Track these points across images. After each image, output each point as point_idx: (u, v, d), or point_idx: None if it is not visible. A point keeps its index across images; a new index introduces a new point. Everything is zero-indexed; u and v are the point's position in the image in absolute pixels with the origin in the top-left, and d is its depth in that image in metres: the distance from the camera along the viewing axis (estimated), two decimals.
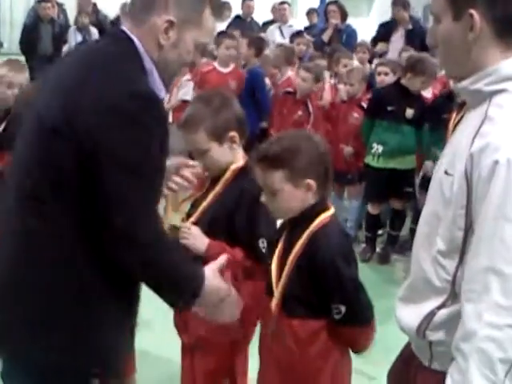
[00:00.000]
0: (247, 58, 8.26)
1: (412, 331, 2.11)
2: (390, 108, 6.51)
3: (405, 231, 6.94)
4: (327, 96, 7.18)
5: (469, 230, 1.93)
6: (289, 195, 2.65)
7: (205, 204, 3.07)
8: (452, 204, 1.96)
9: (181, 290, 2.27)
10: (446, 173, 2.01)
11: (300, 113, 7.06)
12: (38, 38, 11.50)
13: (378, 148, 6.56)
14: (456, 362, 1.90)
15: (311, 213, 2.68)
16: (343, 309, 2.61)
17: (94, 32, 11.65)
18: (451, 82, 5.66)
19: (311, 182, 2.64)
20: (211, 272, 2.33)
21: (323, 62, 7.54)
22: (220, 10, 2.43)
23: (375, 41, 10.19)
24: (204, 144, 2.98)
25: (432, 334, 2.06)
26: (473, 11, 1.95)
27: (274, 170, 2.63)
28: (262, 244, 2.95)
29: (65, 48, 11.40)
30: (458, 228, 1.95)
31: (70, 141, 2.05)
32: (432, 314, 2.05)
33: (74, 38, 11.53)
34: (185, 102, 7.69)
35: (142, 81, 2.18)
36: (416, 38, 9.67)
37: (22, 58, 10.75)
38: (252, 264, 2.96)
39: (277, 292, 2.69)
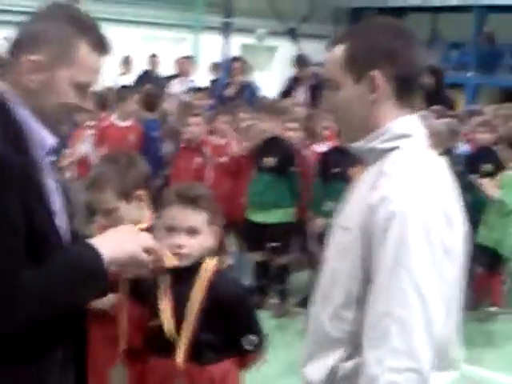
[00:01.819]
0: (138, 113, 8.32)
1: None
2: (259, 158, 6.63)
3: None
4: (231, 151, 7.27)
5: (367, 279, 1.99)
6: (205, 239, 2.78)
7: None
8: (349, 256, 2.03)
9: (84, 290, 2.14)
10: (343, 228, 2.09)
11: (198, 160, 7.15)
12: None
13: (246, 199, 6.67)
14: None
15: (199, 261, 2.81)
16: (255, 338, 2.78)
17: None
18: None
19: (218, 229, 2.81)
20: (103, 241, 2.17)
21: (226, 118, 7.62)
22: (101, 44, 2.19)
23: (283, 95, 10.39)
24: (111, 203, 3.00)
25: None
26: (374, 72, 2.06)
27: (202, 211, 2.76)
28: None
29: None
30: (356, 278, 2.02)
31: None
32: (336, 368, 2.08)
33: None
34: (87, 156, 7.70)
35: None
36: (319, 91, 9.98)
37: None
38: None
39: (182, 344, 2.73)
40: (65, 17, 2.14)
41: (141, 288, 2.91)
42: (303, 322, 6.22)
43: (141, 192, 3.05)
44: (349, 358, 2.06)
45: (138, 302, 2.96)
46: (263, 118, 6.75)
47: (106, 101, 8.64)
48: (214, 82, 12.61)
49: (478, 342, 6.30)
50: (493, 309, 6.72)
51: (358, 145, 2.13)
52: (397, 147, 2.07)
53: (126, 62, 13.14)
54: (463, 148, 8.01)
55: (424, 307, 1.91)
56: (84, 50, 2.13)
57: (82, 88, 2.15)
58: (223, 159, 7.20)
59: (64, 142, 8.70)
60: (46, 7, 2.20)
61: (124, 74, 12.93)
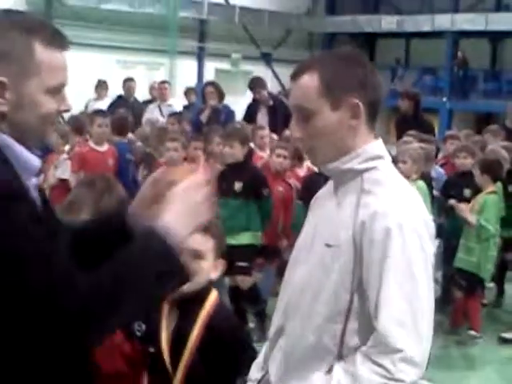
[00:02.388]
0: (108, 136, 8.25)
1: None
2: (226, 183, 6.56)
3: None
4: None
5: (355, 291, 2.06)
6: (209, 266, 2.79)
7: None
8: (336, 270, 2.08)
9: (158, 279, 1.89)
10: (327, 245, 2.12)
11: None
12: None
13: None
14: None
15: (203, 293, 2.78)
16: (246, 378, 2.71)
17: None
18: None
19: (222, 260, 2.86)
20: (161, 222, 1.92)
21: (198, 144, 7.57)
22: (56, 39, 1.96)
23: (247, 120, 10.37)
24: None
25: None
26: (355, 99, 2.12)
27: (211, 237, 2.81)
28: (138, 327, 2.90)
29: None
30: (346, 292, 2.07)
31: None
32: (327, 376, 2.09)
33: None
34: (63, 180, 7.62)
35: None
36: (278, 112, 9.99)
37: None
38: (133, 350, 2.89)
39: (177, 378, 2.70)
40: (7, 24, 1.92)
41: None
42: None
43: None
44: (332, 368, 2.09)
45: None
46: (230, 143, 6.71)
47: (81, 125, 8.56)
48: (187, 107, 12.59)
49: (458, 365, 6.29)
50: (472, 332, 6.70)
51: (334, 165, 2.17)
52: (374, 167, 2.15)
53: (101, 86, 13.10)
54: (438, 172, 8.05)
55: (427, 314, 2.02)
56: (41, 52, 1.91)
57: (55, 91, 1.96)
58: None
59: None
60: None
61: (98, 98, 12.89)
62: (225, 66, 21.61)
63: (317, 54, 2.31)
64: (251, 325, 6.79)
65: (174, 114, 10.39)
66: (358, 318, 2.07)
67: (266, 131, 9.10)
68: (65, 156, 8.01)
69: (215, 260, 2.82)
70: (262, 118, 10.37)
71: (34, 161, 1.97)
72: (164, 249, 1.87)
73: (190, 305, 2.73)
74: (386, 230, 2.01)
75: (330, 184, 2.29)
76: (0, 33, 1.90)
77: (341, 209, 2.14)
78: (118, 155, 7.91)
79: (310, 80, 2.15)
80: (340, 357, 2.08)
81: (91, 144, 7.91)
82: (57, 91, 1.97)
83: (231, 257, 6.50)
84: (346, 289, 2.07)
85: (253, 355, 2.77)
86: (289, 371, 2.22)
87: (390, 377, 1.97)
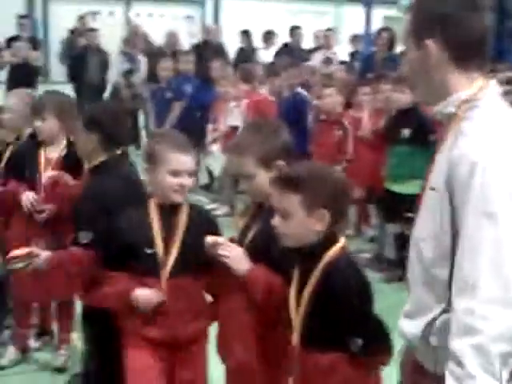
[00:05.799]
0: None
1: (416, 338, 2.20)
2: (394, 130, 6.53)
3: None
4: (366, 125, 7.12)
5: (456, 234, 2.03)
6: (300, 222, 2.66)
7: (251, 231, 3.06)
8: (437, 214, 2.09)
9: None
10: (431, 189, 2.14)
11: (338, 133, 7.11)
12: (84, 66, 11.72)
13: (384, 172, 6.63)
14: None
15: (322, 245, 2.69)
16: (360, 342, 2.62)
17: (141, 59, 11.80)
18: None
19: (325, 212, 2.66)
20: None
21: (366, 90, 7.51)
22: None
23: None
24: (250, 169, 3.00)
25: (435, 339, 2.14)
26: (428, 41, 2.10)
27: (292, 193, 2.65)
28: None
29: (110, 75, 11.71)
30: (445, 234, 2.07)
31: None
32: (434, 319, 2.14)
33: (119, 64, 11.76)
34: (234, 128, 7.74)
35: None
36: None
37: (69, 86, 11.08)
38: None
39: (296, 326, 2.74)
40: None
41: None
42: None
43: (281, 162, 2.99)
44: (445, 312, 2.11)
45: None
46: (401, 88, 6.59)
47: (249, 74, 8.66)
48: (353, 54, 12.47)
49: None
50: None
51: (437, 109, 2.19)
52: (475, 106, 2.10)
53: (269, 36, 13.19)
54: None
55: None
56: None
57: None
58: (363, 132, 7.11)
59: (204, 115, 8.85)
60: None
61: (266, 48, 12.99)
62: (394, 12, 21.15)
63: None
64: None
65: (342, 62, 10.36)
66: None
67: None
68: (233, 104, 8.17)
69: (310, 213, 2.66)
70: None
71: None
72: None
73: (310, 255, 2.70)
74: (470, 171, 1.97)
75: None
76: None
77: (441, 152, 2.14)
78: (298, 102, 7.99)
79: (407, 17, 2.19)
80: (450, 303, 2.06)
81: (265, 93, 8.05)
82: None
83: (398, 204, 6.51)
84: (446, 232, 2.06)
85: (367, 318, 2.67)
86: (410, 312, 2.27)
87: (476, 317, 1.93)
